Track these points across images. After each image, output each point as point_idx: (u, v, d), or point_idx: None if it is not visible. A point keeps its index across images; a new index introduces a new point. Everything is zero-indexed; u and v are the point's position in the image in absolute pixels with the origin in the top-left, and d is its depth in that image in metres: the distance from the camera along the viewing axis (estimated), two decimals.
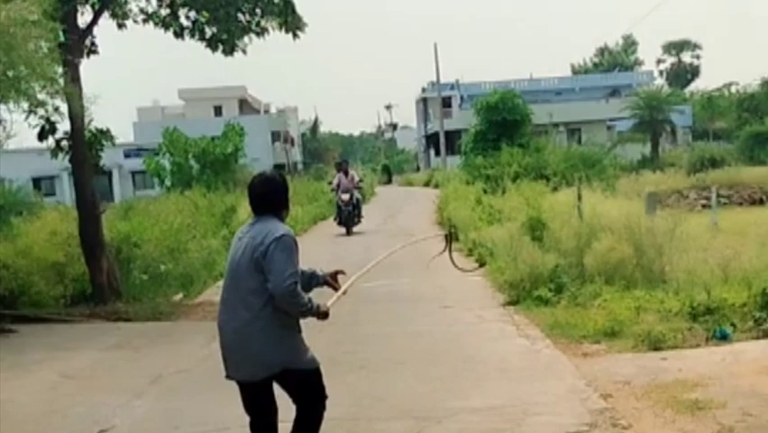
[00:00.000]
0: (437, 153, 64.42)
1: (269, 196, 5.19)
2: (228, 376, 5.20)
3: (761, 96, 67.24)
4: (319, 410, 5.20)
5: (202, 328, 11.63)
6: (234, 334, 5.02)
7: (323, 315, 5.12)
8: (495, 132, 34.47)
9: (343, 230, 23.46)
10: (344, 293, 5.46)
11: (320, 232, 25.47)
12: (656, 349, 8.40)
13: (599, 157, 32.56)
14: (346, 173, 24.52)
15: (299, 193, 31.48)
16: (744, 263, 11.55)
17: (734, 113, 67.33)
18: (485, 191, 25.33)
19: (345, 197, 23.50)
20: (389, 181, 71.83)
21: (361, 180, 26.48)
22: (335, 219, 24.23)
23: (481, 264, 16.09)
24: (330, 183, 26.21)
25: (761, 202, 34.53)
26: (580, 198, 17.55)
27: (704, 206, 32.69)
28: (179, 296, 15.05)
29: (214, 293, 15.11)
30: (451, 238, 8.82)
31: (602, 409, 6.71)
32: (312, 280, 5.35)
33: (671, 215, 14.64)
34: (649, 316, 9.90)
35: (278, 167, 64.58)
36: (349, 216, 23.50)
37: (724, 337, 8.53)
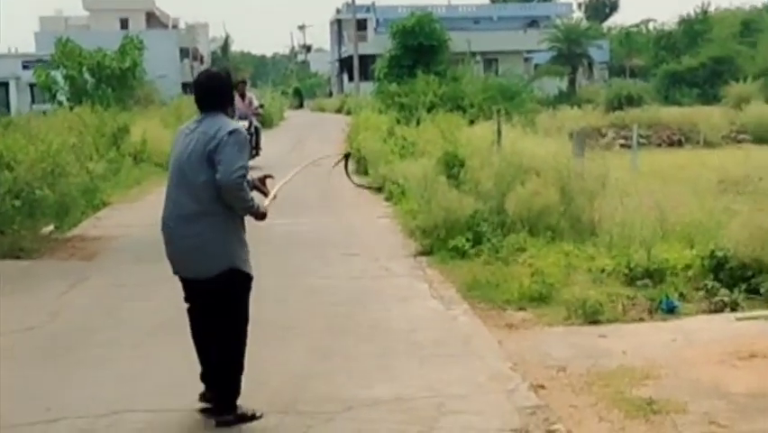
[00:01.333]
0: (350, 78, 62.55)
1: (216, 92, 5.22)
2: (175, 273, 5.26)
3: (678, 35, 67.25)
4: (244, 327, 5.18)
5: (66, 271, 10.01)
6: (182, 226, 5.01)
7: (261, 215, 5.16)
8: (411, 57, 32.78)
9: None
10: (275, 197, 5.50)
11: None
12: (593, 322, 7.12)
13: (519, 89, 31.26)
14: (243, 96, 20.76)
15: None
16: (680, 215, 10.41)
17: (651, 50, 67.26)
18: (398, 121, 23.81)
19: (241, 125, 21.06)
20: (301, 106, 70.18)
21: (261, 106, 23.07)
22: None
23: (379, 189, 14.75)
24: None
25: (679, 144, 34.05)
26: (499, 133, 16.28)
27: (622, 145, 32.12)
28: (49, 228, 13.24)
29: (91, 225, 13.38)
30: (348, 157, 8.25)
31: (534, 406, 5.37)
32: None
33: (598, 156, 13.48)
34: (580, 276, 8.66)
35: (186, 85, 62.65)
36: None
37: (671, 310, 7.29)
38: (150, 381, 6.04)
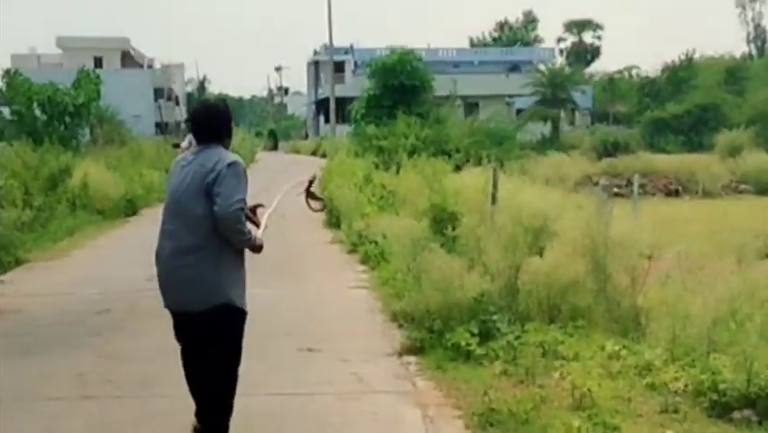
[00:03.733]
0: (327, 120, 60.15)
1: (214, 123, 5.10)
2: (166, 306, 5.08)
3: (662, 82, 65.82)
4: (237, 365, 5.05)
5: None
6: (178, 258, 4.88)
7: (258, 247, 5.03)
8: (391, 98, 30.15)
9: None
10: (266, 227, 5.39)
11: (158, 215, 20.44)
12: None
13: (508, 133, 28.78)
14: None
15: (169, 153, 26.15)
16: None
17: (634, 97, 65.71)
18: (376, 166, 21.19)
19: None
20: (275, 147, 68.42)
21: None
22: None
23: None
24: (176, 146, 20.96)
25: (676, 193, 31.77)
26: (495, 184, 13.66)
27: (616, 194, 29.90)
28: None
29: None
30: (310, 184, 7.53)
31: None
32: None
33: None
34: (640, 397, 5.93)
35: (159, 125, 60.96)
36: None
37: None
38: None
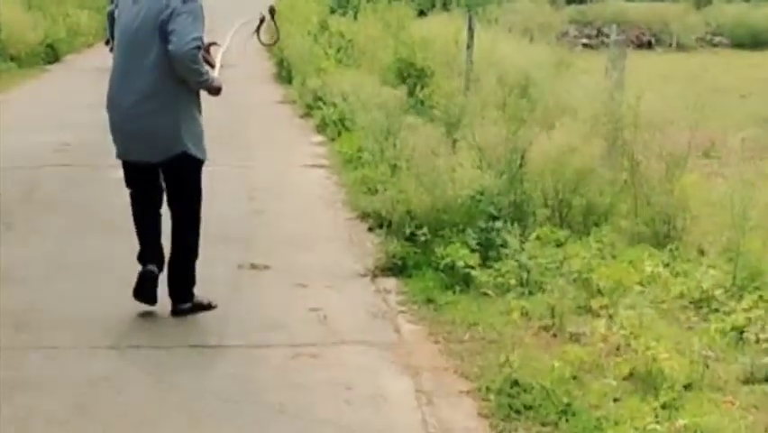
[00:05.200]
0: None
1: None
2: (120, 157, 4.84)
3: None
4: (199, 206, 4.86)
5: None
6: (133, 105, 4.60)
7: (216, 89, 4.78)
8: None
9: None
10: (221, 66, 5.34)
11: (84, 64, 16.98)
12: None
13: None
14: None
15: None
16: None
17: None
18: (332, 10, 18.84)
19: None
20: None
21: None
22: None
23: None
24: None
25: (649, 45, 29.90)
26: (471, 35, 11.71)
27: (585, 45, 28.26)
28: None
29: None
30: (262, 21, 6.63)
31: None
32: None
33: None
34: (718, 365, 4.23)
35: None
36: None
37: None
38: None
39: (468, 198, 5.74)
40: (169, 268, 4.84)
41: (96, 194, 7.35)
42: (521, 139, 6.60)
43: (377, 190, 6.55)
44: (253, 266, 5.53)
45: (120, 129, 4.71)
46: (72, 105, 11.57)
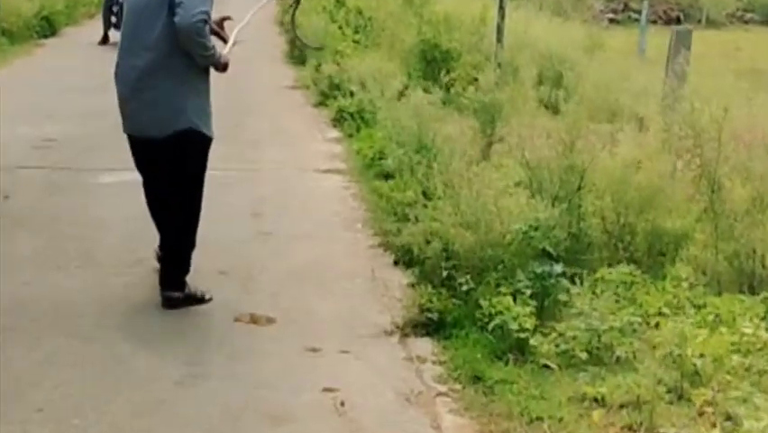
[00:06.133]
0: None
1: None
2: (126, 131, 4.71)
3: None
4: (200, 193, 4.66)
5: None
6: (138, 80, 4.51)
7: (223, 65, 4.67)
8: None
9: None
10: (235, 44, 4.99)
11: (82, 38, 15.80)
12: None
13: None
14: None
15: None
16: None
17: None
18: None
19: None
20: None
21: None
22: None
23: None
24: None
25: (677, 21, 28.76)
26: (502, 13, 10.66)
27: (611, 20, 27.37)
28: None
29: None
30: (298, 2, 6.13)
31: None
32: None
33: None
34: None
35: None
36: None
37: None
38: None
39: (520, 232, 4.65)
40: (162, 254, 4.71)
41: (76, 206, 6.35)
42: (577, 154, 5.53)
43: (405, 216, 5.45)
44: (254, 319, 4.46)
45: (127, 101, 4.62)
46: (62, 88, 10.53)
